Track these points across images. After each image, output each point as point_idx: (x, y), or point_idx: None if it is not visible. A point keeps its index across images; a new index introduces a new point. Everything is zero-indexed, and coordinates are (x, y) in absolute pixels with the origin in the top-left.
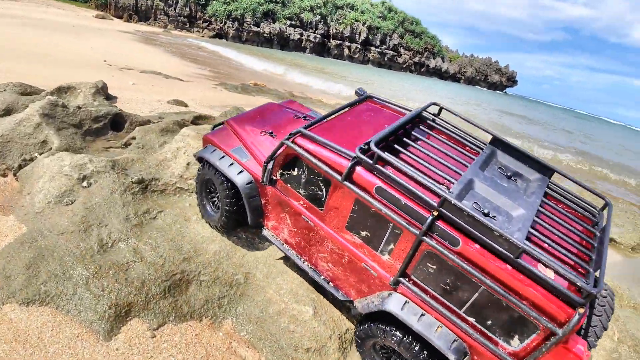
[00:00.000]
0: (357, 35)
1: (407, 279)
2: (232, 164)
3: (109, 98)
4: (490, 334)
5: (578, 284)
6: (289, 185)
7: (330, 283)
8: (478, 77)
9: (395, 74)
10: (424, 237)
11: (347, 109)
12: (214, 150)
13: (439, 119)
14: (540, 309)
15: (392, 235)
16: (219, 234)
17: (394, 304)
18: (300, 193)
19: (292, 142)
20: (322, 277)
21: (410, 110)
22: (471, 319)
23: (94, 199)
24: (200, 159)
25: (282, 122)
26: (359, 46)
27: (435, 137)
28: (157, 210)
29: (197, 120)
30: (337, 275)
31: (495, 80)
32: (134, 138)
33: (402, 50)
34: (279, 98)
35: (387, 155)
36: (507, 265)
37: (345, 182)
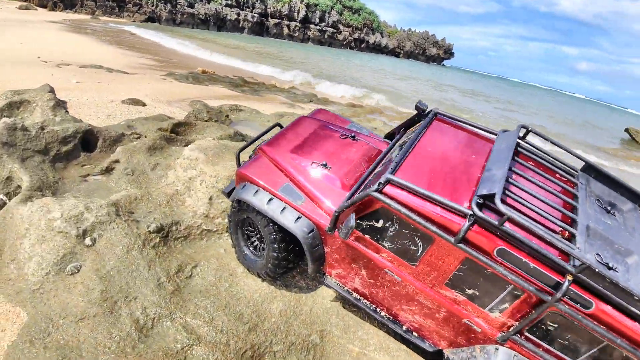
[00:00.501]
0: (295, 13)
1: (520, 335)
2: (284, 208)
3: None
4: None
5: None
6: (367, 236)
7: (414, 333)
8: (416, 51)
9: (336, 52)
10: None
11: (419, 134)
12: (257, 191)
13: (524, 142)
14: None
15: (509, 296)
16: (278, 288)
17: (502, 358)
18: (384, 246)
19: (380, 192)
20: (404, 327)
21: (483, 129)
22: None
23: (107, 262)
24: (236, 200)
25: (329, 145)
26: (298, 24)
27: (530, 168)
28: (191, 265)
29: (177, 128)
30: (425, 326)
31: (433, 53)
32: (116, 161)
33: (341, 27)
34: (233, 86)
35: (512, 212)
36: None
37: (460, 245)
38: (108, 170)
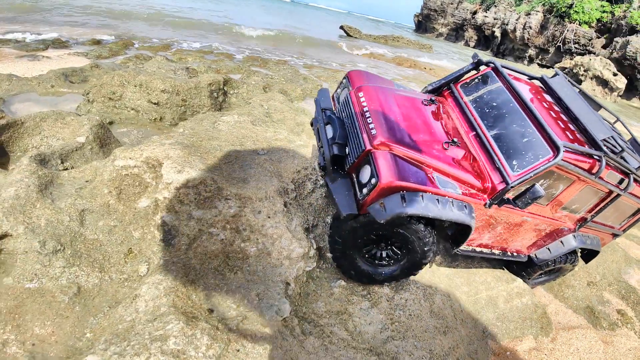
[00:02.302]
0: None
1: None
2: (452, 203)
3: None
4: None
5: None
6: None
7: (515, 254)
8: None
9: None
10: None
11: (514, 91)
12: (423, 197)
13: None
14: None
15: (596, 198)
16: (396, 290)
17: (576, 240)
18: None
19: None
20: (508, 254)
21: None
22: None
23: None
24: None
25: (428, 117)
26: None
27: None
28: None
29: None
30: (525, 245)
31: None
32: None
33: None
34: None
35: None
36: None
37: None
38: None
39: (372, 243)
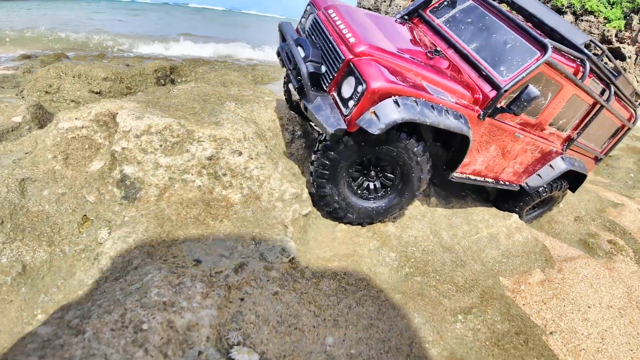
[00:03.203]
0: None
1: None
2: (446, 111)
3: None
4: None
5: None
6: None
7: (507, 183)
8: None
9: None
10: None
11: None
12: (413, 101)
13: None
14: None
15: (580, 112)
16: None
17: (565, 162)
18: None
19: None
20: (501, 182)
21: None
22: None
23: None
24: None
25: (406, 34)
26: None
27: None
28: None
29: None
30: (517, 173)
31: None
32: None
33: None
34: None
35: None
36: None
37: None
38: None
39: (361, 173)
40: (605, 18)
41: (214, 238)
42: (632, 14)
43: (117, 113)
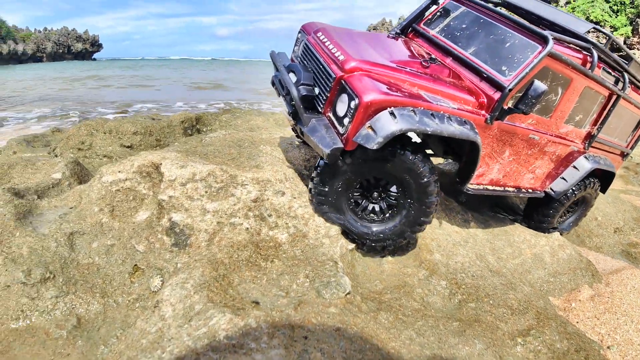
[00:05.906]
0: None
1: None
2: (449, 117)
3: None
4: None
5: None
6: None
7: (529, 190)
8: (61, 51)
9: None
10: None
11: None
12: (410, 110)
13: None
14: None
15: (597, 105)
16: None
17: (589, 162)
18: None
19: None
20: (523, 190)
21: None
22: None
23: None
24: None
25: (399, 47)
26: None
27: None
28: None
29: None
30: (538, 179)
31: (80, 49)
32: None
33: None
34: None
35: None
36: None
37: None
38: None
39: (362, 196)
40: (611, 26)
41: (268, 279)
42: (638, 19)
43: (160, 163)
